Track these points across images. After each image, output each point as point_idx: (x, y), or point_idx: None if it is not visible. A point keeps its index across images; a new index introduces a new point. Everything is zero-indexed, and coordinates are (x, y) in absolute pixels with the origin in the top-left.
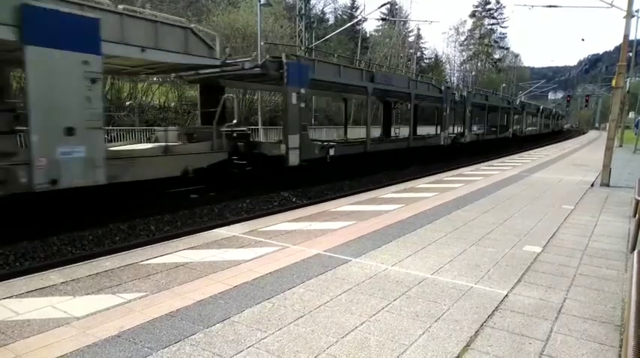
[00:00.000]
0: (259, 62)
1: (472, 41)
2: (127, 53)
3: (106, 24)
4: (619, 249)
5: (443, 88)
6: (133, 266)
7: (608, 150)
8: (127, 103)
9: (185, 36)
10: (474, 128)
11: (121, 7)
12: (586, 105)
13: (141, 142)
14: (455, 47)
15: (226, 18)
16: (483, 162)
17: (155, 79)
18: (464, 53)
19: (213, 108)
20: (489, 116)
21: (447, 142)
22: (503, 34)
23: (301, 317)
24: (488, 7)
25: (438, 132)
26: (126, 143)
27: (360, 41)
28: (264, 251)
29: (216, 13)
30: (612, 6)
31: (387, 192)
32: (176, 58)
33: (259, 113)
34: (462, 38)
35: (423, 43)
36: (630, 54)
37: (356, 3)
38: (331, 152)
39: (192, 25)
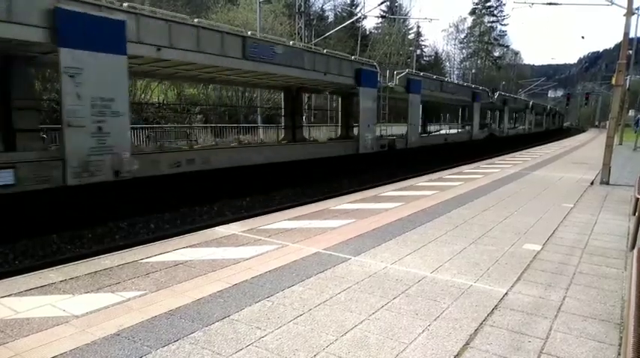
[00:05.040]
0: None
1: (472, 39)
2: None
3: None
4: (619, 247)
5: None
6: (132, 264)
7: (608, 148)
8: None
9: None
10: (445, 127)
11: None
12: (586, 104)
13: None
14: (455, 45)
15: (225, 16)
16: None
17: None
18: (464, 51)
19: None
20: (464, 113)
21: (371, 149)
22: (503, 31)
23: (300, 315)
24: (488, 4)
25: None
26: None
27: (359, 39)
28: (264, 249)
29: (215, 11)
30: (612, 3)
31: (387, 190)
32: None
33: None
34: (462, 36)
35: (422, 40)
36: (630, 52)
37: (356, 0)
38: (127, 168)
39: None
